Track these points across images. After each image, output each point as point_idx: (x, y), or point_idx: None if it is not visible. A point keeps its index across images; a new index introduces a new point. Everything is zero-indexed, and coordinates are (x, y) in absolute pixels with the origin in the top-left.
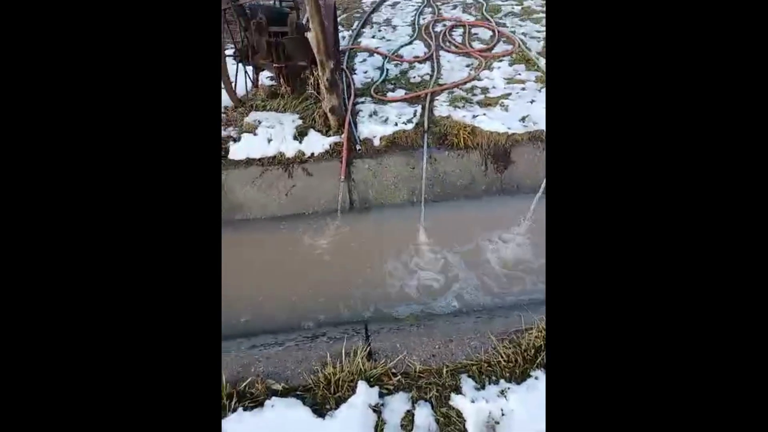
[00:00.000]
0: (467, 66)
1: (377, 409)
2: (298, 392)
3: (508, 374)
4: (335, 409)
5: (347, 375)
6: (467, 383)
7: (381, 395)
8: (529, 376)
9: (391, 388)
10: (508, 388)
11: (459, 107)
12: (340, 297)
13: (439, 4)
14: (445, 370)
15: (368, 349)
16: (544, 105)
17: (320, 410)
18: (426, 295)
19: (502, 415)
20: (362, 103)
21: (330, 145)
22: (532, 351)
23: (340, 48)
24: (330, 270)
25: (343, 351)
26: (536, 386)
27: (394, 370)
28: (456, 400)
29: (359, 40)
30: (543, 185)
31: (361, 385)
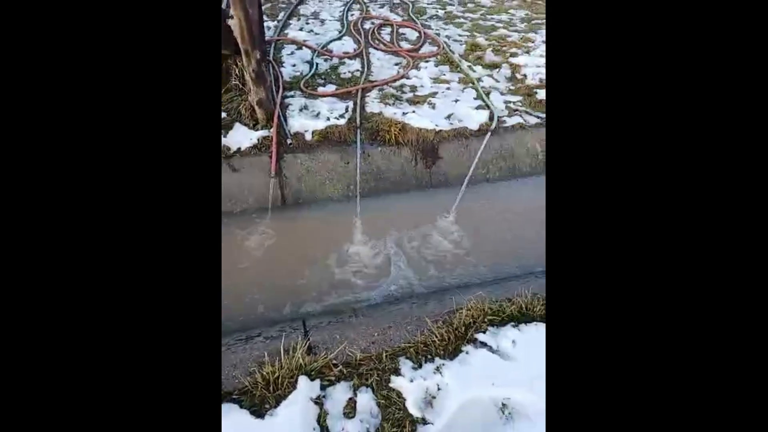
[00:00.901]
0: (396, 64)
1: (319, 401)
2: (233, 396)
3: (442, 351)
4: (275, 407)
5: (287, 372)
6: (405, 365)
7: (323, 387)
8: (461, 351)
9: (333, 379)
10: (443, 364)
11: (389, 104)
12: (277, 294)
13: (366, 1)
14: (384, 355)
15: (308, 343)
16: (467, 104)
17: (259, 411)
18: (364, 286)
19: (438, 389)
20: (292, 96)
21: (258, 140)
22: (463, 328)
23: (266, 39)
24: (263, 267)
25: (282, 348)
26: (467, 360)
27: (335, 362)
28: (396, 382)
29: (286, 31)
30: (467, 178)
31: (302, 380)
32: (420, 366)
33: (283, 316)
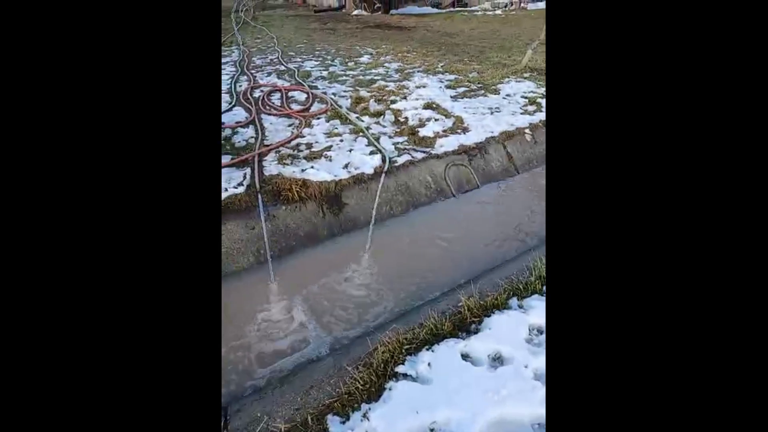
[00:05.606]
0: (289, 126)
1: None
2: None
3: (366, 395)
4: None
5: None
6: (334, 422)
7: None
8: (384, 389)
9: None
10: (369, 409)
11: (287, 164)
12: None
13: (253, 72)
14: (309, 419)
15: None
16: (360, 151)
17: None
18: (286, 351)
19: None
20: None
21: None
22: (382, 365)
23: None
24: None
25: None
26: (391, 396)
27: None
28: None
29: None
30: (373, 218)
31: None
32: (348, 418)
33: None
